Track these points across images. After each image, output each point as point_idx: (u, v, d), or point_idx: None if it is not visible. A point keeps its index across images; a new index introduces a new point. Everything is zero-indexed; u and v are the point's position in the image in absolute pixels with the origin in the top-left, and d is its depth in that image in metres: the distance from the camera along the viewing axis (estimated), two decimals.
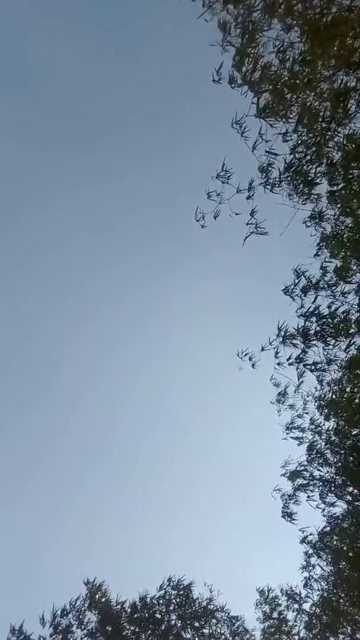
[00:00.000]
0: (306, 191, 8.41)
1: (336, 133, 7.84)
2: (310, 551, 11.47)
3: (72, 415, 19.31)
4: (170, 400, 19.55)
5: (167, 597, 11.39)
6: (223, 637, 11.38)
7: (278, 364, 10.09)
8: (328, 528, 11.23)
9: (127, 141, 17.10)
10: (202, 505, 17.95)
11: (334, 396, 10.58)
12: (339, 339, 9.79)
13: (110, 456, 19.00)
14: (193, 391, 19.39)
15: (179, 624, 11.22)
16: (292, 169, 8.15)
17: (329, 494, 11.07)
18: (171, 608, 11.33)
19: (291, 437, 11.25)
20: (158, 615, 11.18)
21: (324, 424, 11.04)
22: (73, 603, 10.99)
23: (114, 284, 19.03)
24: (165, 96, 15.14)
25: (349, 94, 7.23)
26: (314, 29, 6.86)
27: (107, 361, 19.75)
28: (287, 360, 9.97)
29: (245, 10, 7.37)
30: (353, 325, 9.78)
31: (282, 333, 9.75)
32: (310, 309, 9.76)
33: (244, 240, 8.72)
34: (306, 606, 11.63)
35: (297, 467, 11.25)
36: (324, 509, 11.14)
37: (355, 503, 11.06)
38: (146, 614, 11.10)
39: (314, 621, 11.43)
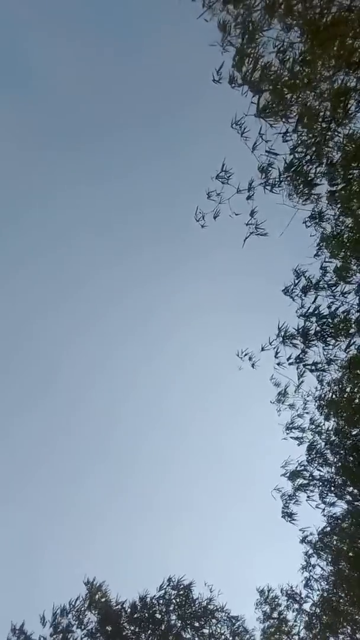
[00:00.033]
0: (306, 191, 8.41)
1: (336, 133, 7.84)
2: (310, 551, 11.48)
3: (72, 415, 19.34)
4: (170, 400, 19.58)
5: (167, 597, 11.40)
6: (223, 637, 11.38)
7: (278, 364, 10.10)
8: (328, 528, 11.23)
9: (127, 141, 17.12)
10: (202, 505, 17.97)
11: (334, 396, 10.58)
12: (339, 339, 9.80)
13: (110, 456, 19.03)
14: (193, 391, 19.41)
15: (179, 624, 11.22)
16: (292, 169, 8.14)
17: (329, 494, 11.08)
18: (171, 608, 11.33)
19: (291, 437, 11.26)
20: (158, 615, 11.19)
21: (324, 424, 11.05)
22: (73, 603, 11.00)
23: (114, 284, 19.05)
24: (165, 96, 15.14)
25: (349, 94, 7.23)
26: (314, 29, 6.85)
27: (107, 361, 19.78)
28: (287, 360, 9.98)
29: (245, 10, 7.37)
30: (353, 325, 9.78)
31: (282, 333, 9.76)
32: (310, 309, 9.77)
33: (244, 241, 8.73)
34: (306, 606, 11.65)
35: (297, 467, 11.25)
36: (324, 509, 11.15)
37: (355, 503, 11.06)
38: (146, 614, 11.11)
39: (314, 621, 11.43)
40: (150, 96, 15.68)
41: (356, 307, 9.83)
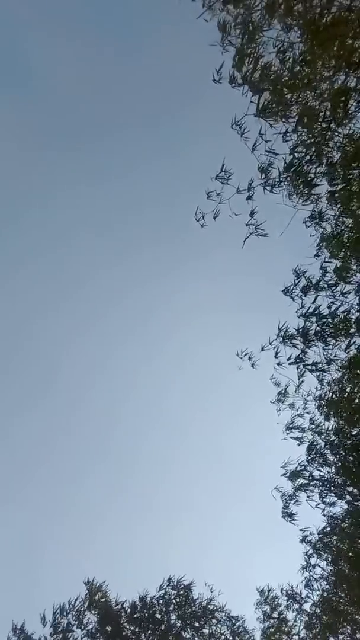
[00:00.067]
0: (306, 191, 8.41)
1: (336, 133, 7.84)
2: (310, 551, 11.48)
3: (72, 415, 19.33)
4: (170, 400, 19.57)
5: (167, 597, 11.40)
6: (223, 637, 11.37)
7: (278, 364, 10.11)
8: (328, 528, 11.23)
9: (127, 141, 17.12)
10: (202, 505, 17.96)
11: (334, 396, 10.58)
12: (339, 339, 9.80)
13: (110, 456, 19.02)
14: (193, 391, 19.41)
15: (179, 624, 11.22)
16: (292, 169, 8.14)
17: (329, 494, 11.08)
18: (171, 608, 11.33)
19: (291, 437, 11.27)
20: (158, 615, 11.19)
21: (323, 424, 11.05)
22: (72, 603, 11.00)
23: (114, 284, 19.04)
24: (165, 96, 15.14)
25: (349, 94, 7.23)
26: (314, 29, 6.86)
27: (107, 361, 19.77)
28: (287, 360, 9.99)
29: (245, 10, 7.37)
30: (353, 325, 9.78)
31: (282, 333, 9.76)
32: (311, 309, 9.77)
33: (244, 241, 8.74)
34: (306, 606, 11.64)
35: (297, 467, 11.25)
36: (324, 509, 11.15)
37: (355, 503, 11.06)
38: (146, 614, 11.10)
39: (314, 621, 11.43)
40: (150, 96, 15.69)
41: (356, 307, 9.84)
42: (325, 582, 11.39)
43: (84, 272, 18.73)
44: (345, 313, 9.80)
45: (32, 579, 14.71)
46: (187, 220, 9.04)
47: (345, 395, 10.43)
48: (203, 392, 19.03)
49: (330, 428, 10.92)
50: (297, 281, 10.05)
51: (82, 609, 10.96)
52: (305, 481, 11.20)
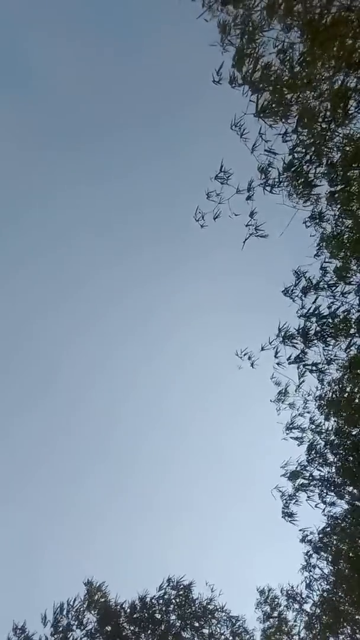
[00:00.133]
0: (306, 192, 8.41)
1: (336, 133, 7.84)
2: (311, 551, 11.48)
3: (72, 415, 19.34)
4: (170, 400, 19.58)
5: (166, 597, 11.40)
6: (223, 637, 11.38)
7: (278, 363, 10.11)
8: (328, 528, 11.23)
9: (127, 141, 17.12)
10: (202, 505, 17.97)
11: (334, 396, 10.58)
12: (339, 339, 9.80)
13: (110, 456, 19.03)
14: (193, 391, 19.41)
15: (179, 624, 11.22)
16: (292, 169, 8.14)
17: (329, 494, 11.07)
18: (171, 608, 11.33)
19: (291, 437, 11.26)
20: (158, 615, 11.19)
21: (323, 424, 11.05)
22: (71, 603, 11.00)
23: (114, 284, 19.05)
24: (165, 96, 15.15)
25: (349, 95, 7.23)
26: (313, 29, 6.85)
27: (107, 361, 19.78)
28: (287, 360, 9.99)
29: (245, 11, 7.37)
30: (353, 326, 9.78)
31: (282, 333, 9.76)
32: (311, 310, 9.77)
33: (244, 242, 8.74)
34: (306, 606, 11.64)
35: (297, 467, 11.24)
36: (324, 509, 11.15)
37: (356, 503, 11.06)
38: (146, 614, 11.10)
39: (314, 621, 11.42)
40: (150, 96, 15.70)
41: (356, 307, 9.83)
42: (325, 582, 11.39)
43: (84, 272, 18.76)
44: (345, 313, 9.81)
45: (32, 579, 14.73)
46: (187, 220, 9.06)
47: (345, 395, 10.43)
48: (203, 392, 19.05)
49: (330, 428, 10.92)
50: (297, 282, 10.05)
51: (82, 609, 10.96)
52: (305, 481, 11.20)
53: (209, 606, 11.48)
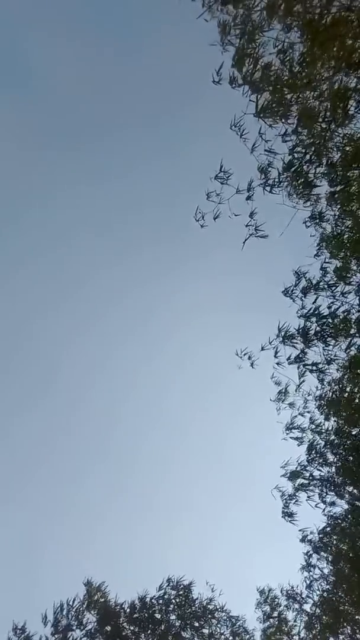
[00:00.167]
0: (306, 192, 8.41)
1: (336, 134, 7.84)
2: (311, 551, 11.48)
3: (72, 415, 19.32)
4: (170, 400, 19.56)
5: (166, 597, 11.39)
6: (223, 637, 11.38)
7: (277, 363, 10.12)
8: (328, 528, 11.24)
9: (127, 141, 17.12)
10: (202, 505, 17.94)
11: (334, 396, 10.58)
12: (339, 339, 9.80)
13: (110, 456, 19.00)
14: (193, 391, 19.39)
15: (179, 624, 11.22)
16: (292, 169, 8.15)
17: (329, 493, 11.08)
18: (170, 608, 11.33)
19: (291, 438, 11.26)
20: (157, 615, 11.19)
21: (323, 424, 11.06)
22: (70, 603, 10.99)
23: (114, 284, 19.04)
24: (165, 96, 15.15)
25: (349, 95, 7.23)
26: (313, 29, 6.85)
27: (107, 361, 19.76)
28: (287, 360, 9.99)
29: (245, 11, 7.37)
30: (353, 326, 9.79)
31: (282, 333, 9.77)
32: (311, 310, 9.77)
33: (243, 243, 8.74)
34: (306, 606, 11.64)
35: (297, 467, 11.25)
36: (324, 509, 11.16)
37: (356, 503, 11.06)
38: (145, 614, 11.10)
39: (314, 621, 11.42)
40: (150, 96, 15.69)
41: (356, 307, 9.84)
42: (325, 582, 11.39)
43: (84, 272, 18.75)
44: (345, 313, 9.81)
45: (32, 579, 14.71)
46: (187, 220, 9.06)
47: (345, 395, 10.43)
48: (203, 392, 19.03)
49: (330, 428, 10.93)
50: (297, 282, 10.06)
51: (81, 609, 10.96)
52: (305, 481, 11.21)
53: (209, 606, 11.48)
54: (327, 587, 11.34)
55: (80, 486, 17.81)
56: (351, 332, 9.79)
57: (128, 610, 11.17)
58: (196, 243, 14.61)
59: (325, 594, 11.31)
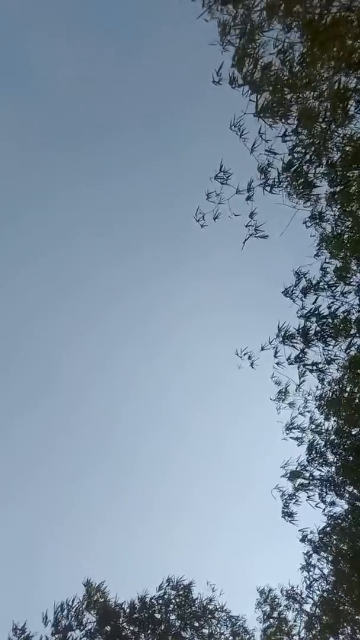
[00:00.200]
0: (306, 192, 8.41)
1: (336, 134, 7.84)
2: (311, 551, 11.48)
3: (72, 415, 19.33)
4: (170, 400, 19.57)
5: (166, 597, 11.39)
6: (223, 637, 11.38)
7: (277, 363, 10.12)
8: (328, 528, 11.23)
9: (127, 141, 17.12)
10: (202, 505, 17.95)
11: (334, 396, 10.59)
12: (339, 339, 9.80)
13: (110, 456, 19.01)
14: (193, 391, 19.41)
15: (179, 624, 11.22)
16: (292, 169, 8.15)
17: (329, 493, 11.08)
18: (170, 608, 11.33)
19: (291, 438, 11.27)
20: (157, 615, 11.18)
21: (323, 424, 11.06)
22: (70, 603, 10.99)
23: (114, 284, 19.05)
24: (165, 96, 15.16)
25: (349, 95, 7.23)
26: (313, 29, 6.85)
27: (107, 361, 19.77)
28: (287, 360, 9.99)
29: (245, 11, 7.37)
30: (353, 326, 9.79)
31: (282, 333, 9.76)
32: (311, 310, 9.77)
33: (243, 243, 8.74)
34: (306, 606, 11.64)
35: (297, 467, 11.25)
36: (324, 509, 11.15)
37: (356, 503, 11.06)
38: (145, 614, 11.10)
39: (314, 621, 11.42)
40: (150, 96, 15.70)
41: (356, 307, 9.84)
42: (325, 582, 11.39)
43: (84, 272, 18.76)
44: (345, 313, 9.81)
45: (32, 579, 14.72)
46: (187, 220, 9.06)
47: (345, 395, 10.43)
48: (203, 392, 19.05)
49: (330, 428, 10.93)
50: (297, 282, 10.06)
51: (81, 609, 10.95)
52: (305, 481, 11.21)
53: (209, 606, 11.48)
54: (327, 587, 11.34)
55: (80, 486, 17.83)
56: (351, 332, 9.79)
57: (128, 610, 11.17)
58: (196, 243, 14.64)
59: (325, 594, 11.31)
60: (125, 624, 10.99)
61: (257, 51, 7.46)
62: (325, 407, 10.85)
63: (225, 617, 11.57)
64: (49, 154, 17.18)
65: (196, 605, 11.44)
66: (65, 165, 17.19)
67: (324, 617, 11.25)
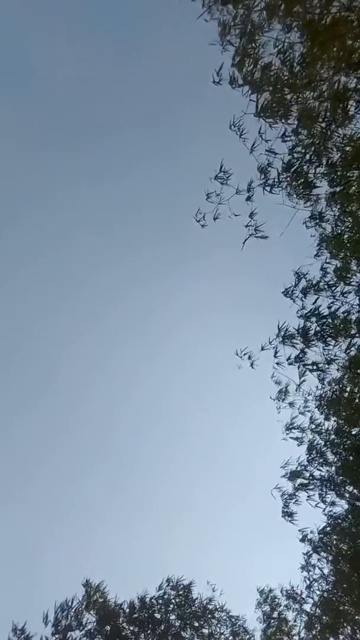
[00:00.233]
0: (306, 192, 8.41)
1: (336, 134, 7.84)
2: (311, 551, 11.48)
3: (72, 415, 19.34)
4: (170, 400, 19.58)
5: (166, 597, 11.39)
6: (223, 637, 11.38)
7: (277, 363, 10.11)
8: (328, 528, 11.23)
9: (127, 141, 17.13)
10: (202, 505, 17.96)
11: (334, 396, 10.59)
12: (339, 340, 9.80)
13: (110, 456, 19.02)
14: (193, 391, 19.41)
15: (178, 624, 11.22)
16: (292, 170, 8.15)
17: (329, 493, 11.08)
18: (170, 608, 11.32)
19: (291, 438, 11.26)
20: (157, 615, 11.18)
21: (323, 424, 11.06)
22: (69, 603, 10.98)
23: (114, 284, 19.06)
24: (165, 96, 15.16)
25: (349, 95, 7.23)
26: (313, 29, 6.85)
27: (107, 361, 19.78)
28: (287, 360, 9.99)
29: (245, 11, 7.38)
30: (353, 326, 9.78)
31: (282, 333, 9.76)
32: (311, 310, 9.77)
33: (243, 243, 8.74)
34: (306, 606, 11.64)
35: (297, 467, 11.25)
36: (324, 509, 11.15)
37: (356, 503, 11.06)
38: (145, 614, 11.10)
39: (314, 621, 11.42)
40: (150, 96, 15.71)
41: (356, 307, 9.84)
42: (325, 582, 11.39)
43: (84, 272, 18.77)
44: (345, 313, 9.81)
45: (32, 579, 14.72)
46: (187, 220, 9.07)
47: (345, 395, 10.43)
48: (203, 392, 19.05)
49: (330, 428, 10.92)
50: (297, 282, 10.05)
51: (81, 609, 10.95)
52: (305, 481, 11.21)
53: (208, 606, 11.48)
54: (327, 587, 11.34)
55: (80, 486, 17.83)
56: (351, 332, 9.78)
57: (128, 610, 11.17)
58: (196, 243, 14.66)
59: (325, 594, 11.31)
60: (125, 624, 10.99)
61: (257, 51, 7.46)
62: (325, 407, 10.85)
63: (225, 617, 11.58)
64: (49, 154, 17.21)
65: (196, 605, 11.44)
66: (65, 165, 17.22)
67: (324, 617, 11.26)
